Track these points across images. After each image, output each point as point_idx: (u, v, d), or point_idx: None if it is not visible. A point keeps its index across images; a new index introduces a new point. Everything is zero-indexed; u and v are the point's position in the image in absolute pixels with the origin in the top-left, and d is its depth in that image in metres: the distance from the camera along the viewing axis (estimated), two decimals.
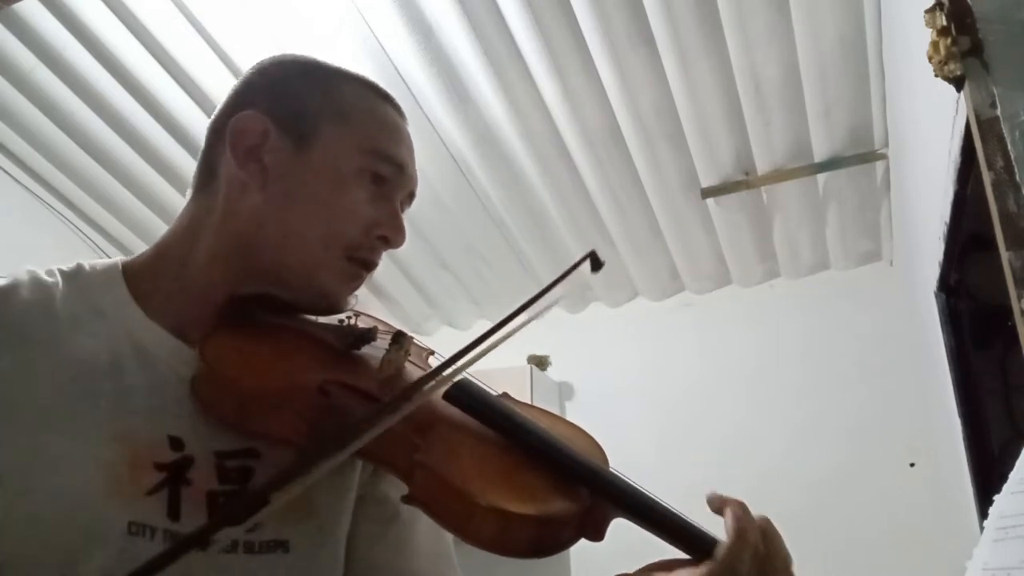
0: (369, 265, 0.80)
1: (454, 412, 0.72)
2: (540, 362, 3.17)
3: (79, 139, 2.58)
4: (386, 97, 0.83)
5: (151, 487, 0.66)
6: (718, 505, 0.67)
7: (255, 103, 0.79)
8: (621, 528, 0.69)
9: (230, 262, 0.76)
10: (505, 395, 0.80)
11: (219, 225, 0.77)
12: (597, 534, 0.68)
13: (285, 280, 0.76)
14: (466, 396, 0.73)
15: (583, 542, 0.67)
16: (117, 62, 2.32)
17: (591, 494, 0.68)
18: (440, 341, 2.18)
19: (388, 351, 0.76)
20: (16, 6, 2.13)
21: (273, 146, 0.77)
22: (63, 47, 2.28)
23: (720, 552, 0.63)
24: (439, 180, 2.67)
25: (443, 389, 0.71)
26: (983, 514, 0.88)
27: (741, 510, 0.65)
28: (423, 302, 3.38)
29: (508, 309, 0.72)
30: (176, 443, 0.69)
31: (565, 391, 3.29)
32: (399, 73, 2.29)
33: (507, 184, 2.70)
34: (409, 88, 2.33)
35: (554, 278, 0.78)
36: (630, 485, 0.69)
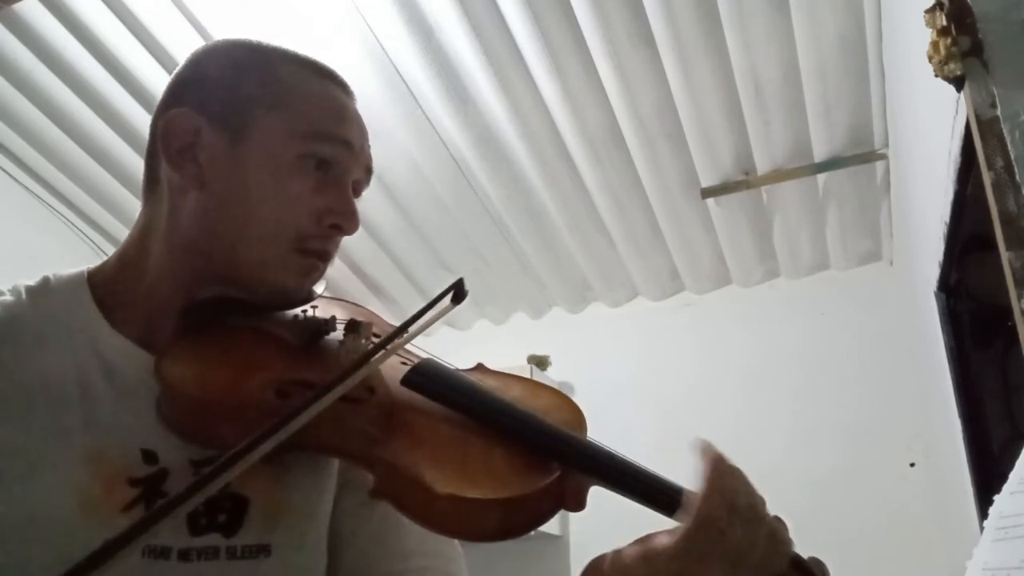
0: (324, 256, 0.77)
1: (415, 398, 0.70)
2: (540, 362, 3.17)
3: (79, 139, 2.58)
4: (328, 75, 0.78)
5: (126, 504, 0.65)
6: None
7: (186, 99, 0.75)
8: (621, 524, 0.69)
9: (182, 269, 0.74)
10: (479, 366, 0.77)
11: (166, 232, 0.75)
12: (576, 504, 0.64)
13: (238, 281, 0.73)
14: (424, 380, 0.70)
15: (583, 535, 0.66)
16: (117, 62, 2.32)
17: (560, 465, 0.65)
18: (440, 341, 2.19)
19: (343, 341, 0.73)
20: (16, 6, 2.13)
21: (207, 143, 0.73)
22: (63, 47, 2.28)
23: (692, 505, 0.57)
24: (439, 180, 2.66)
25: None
26: (983, 514, 0.88)
27: (714, 457, 0.59)
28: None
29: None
30: (150, 456, 0.67)
31: (565, 391, 3.25)
32: (399, 73, 2.29)
33: (507, 184, 2.70)
34: (409, 88, 2.32)
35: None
36: (600, 450, 0.65)
